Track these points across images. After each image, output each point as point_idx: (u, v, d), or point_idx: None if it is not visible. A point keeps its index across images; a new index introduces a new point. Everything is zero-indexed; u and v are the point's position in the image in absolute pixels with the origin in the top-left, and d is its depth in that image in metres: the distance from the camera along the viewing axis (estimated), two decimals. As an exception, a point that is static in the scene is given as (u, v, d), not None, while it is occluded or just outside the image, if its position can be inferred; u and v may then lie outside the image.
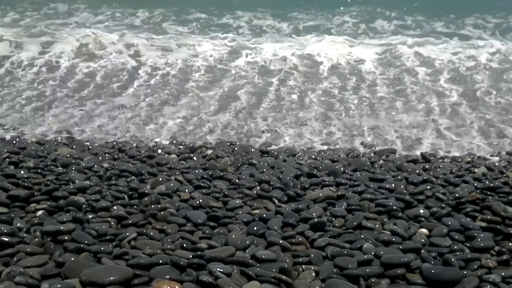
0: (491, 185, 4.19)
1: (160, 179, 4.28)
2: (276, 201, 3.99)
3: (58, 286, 2.54)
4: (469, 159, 5.22)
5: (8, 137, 5.76)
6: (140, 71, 7.83)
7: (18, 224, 3.39)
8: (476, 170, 4.73)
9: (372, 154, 5.42)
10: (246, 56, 8.37)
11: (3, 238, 3.08)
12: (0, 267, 2.76)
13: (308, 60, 8.33)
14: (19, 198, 3.76)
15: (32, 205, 3.71)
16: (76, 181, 4.16)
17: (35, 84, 7.30)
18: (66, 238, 3.18)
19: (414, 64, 8.13)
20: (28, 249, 3.03)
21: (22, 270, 2.67)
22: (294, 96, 7.07)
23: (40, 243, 3.15)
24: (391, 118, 6.43)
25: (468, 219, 3.63)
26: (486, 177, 4.50)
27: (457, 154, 5.55)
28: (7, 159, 4.64)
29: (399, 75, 7.77)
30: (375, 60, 8.28)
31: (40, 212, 3.62)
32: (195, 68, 7.93)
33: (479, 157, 5.40)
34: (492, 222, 3.56)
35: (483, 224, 3.55)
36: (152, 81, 7.50)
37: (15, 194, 3.79)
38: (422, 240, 3.34)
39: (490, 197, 3.93)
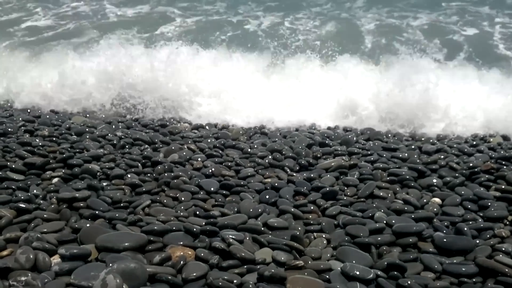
0: (506, 154, 4.13)
1: (173, 147, 4.31)
2: (288, 170, 3.99)
3: (75, 251, 2.59)
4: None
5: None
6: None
7: (35, 191, 3.45)
8: (491, 140, 4.66)
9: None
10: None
11: (20, 205, 3.14)
12: (18, 233, 2.82)
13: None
14: (35, 165, 3.81)
15: (47, 172, 3.77)
16: (90, 149, 4.20)
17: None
18: (81, 205, 3.23)
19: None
20: (45, 215, 3.08)
21: (39, 235, 2.72)
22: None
23: (56, 209, 3.20)
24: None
25: (481, 189, 3.61)
26: (501, 146, 4.45)
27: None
28: (22, 127, 4.71)
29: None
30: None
31: (55, 180, 3.67)
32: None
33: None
34: (506, 191, 3.52)
35: (497, 193, 3.51)
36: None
37: (31, 161, 3.85)
38: (435, 209, 3.33)
39: (504, 167, 3.89)
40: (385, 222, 3.08)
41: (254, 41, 7.52)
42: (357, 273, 2.54)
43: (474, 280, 2.59)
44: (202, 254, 2.65)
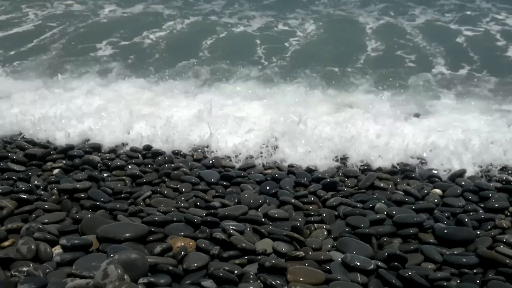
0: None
1: (174, 138, 4.30)
2: (289, 161, 3.99)
3: (76, 241, 2.60)
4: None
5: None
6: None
7: (36, 182, 3.45)
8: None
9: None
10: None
11: (21, 195, 3.15)
12: (19, 224, 2.83)
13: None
14: (35, 156, 3.81)
15: (48, 163, 3.77)
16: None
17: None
18: (82, 195, 3.24)
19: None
20: (46, 206, 3.09)
21: (40, 226, 2.73)
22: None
23: (57, 200, 3.21)
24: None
25: (482, 180, 3.60)
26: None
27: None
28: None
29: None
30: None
31: (56, 171, 3.67)
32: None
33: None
34: (507, 182, 3.53)
35: (498, 184, 3.52)
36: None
37: (31, 152, 3.85)
38: (435, 200, 3.33)
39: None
40: (385, 213, 3.08)
41: (247, 51, 7.04)
42: (358, 263, 2.54)
43: (475, 271, 2.59)
44: (203, 245, 2.66)
